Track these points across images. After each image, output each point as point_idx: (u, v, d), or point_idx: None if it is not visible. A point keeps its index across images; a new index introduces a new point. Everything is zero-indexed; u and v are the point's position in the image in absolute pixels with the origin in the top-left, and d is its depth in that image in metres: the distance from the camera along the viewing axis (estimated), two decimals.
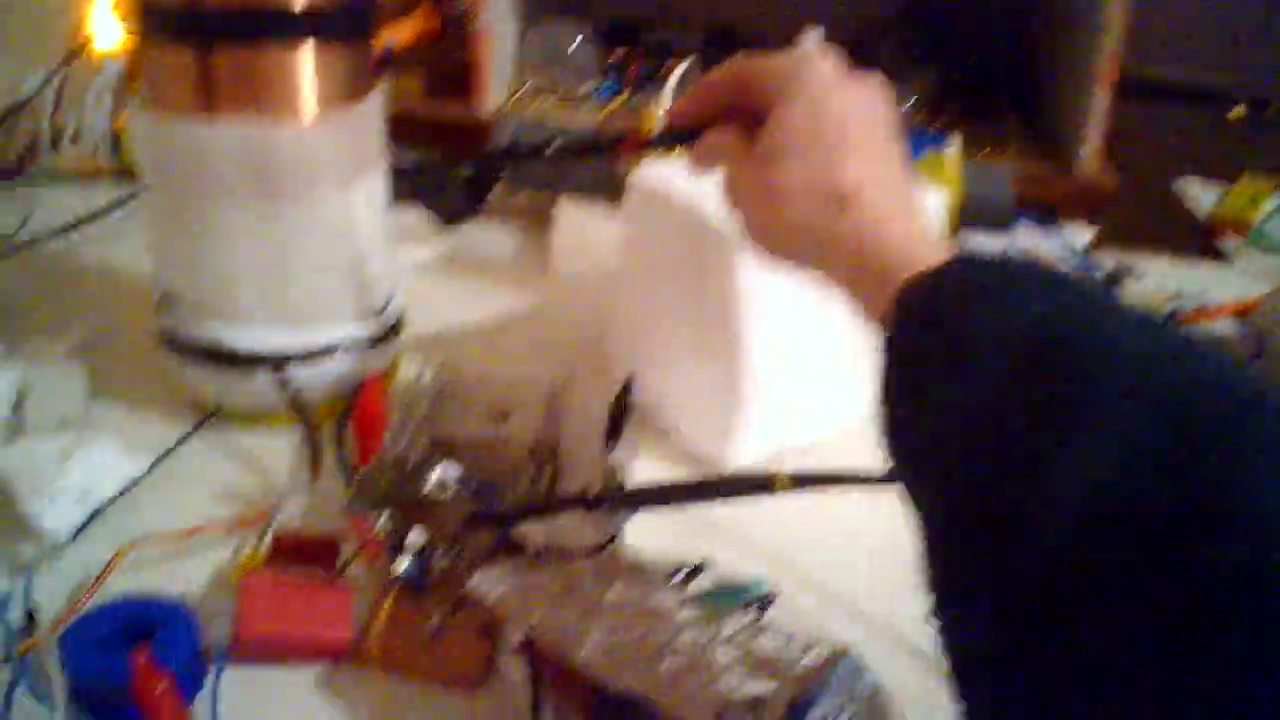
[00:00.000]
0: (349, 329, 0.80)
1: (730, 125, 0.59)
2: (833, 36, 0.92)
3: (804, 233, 0.55)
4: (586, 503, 0.64)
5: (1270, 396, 0.37)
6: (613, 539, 0.63)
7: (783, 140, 0.55)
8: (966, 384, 0.42)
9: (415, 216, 1.14)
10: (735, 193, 0.59)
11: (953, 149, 1.08)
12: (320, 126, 0.75)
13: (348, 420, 0.78)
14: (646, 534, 0.66)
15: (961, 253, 0.49)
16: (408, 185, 0.87)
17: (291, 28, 0.72)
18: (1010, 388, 0.41)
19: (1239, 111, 1.66)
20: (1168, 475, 0.36)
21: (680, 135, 0.62)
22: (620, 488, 0.68)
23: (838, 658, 0.54)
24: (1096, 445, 0.37)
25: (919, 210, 0.55)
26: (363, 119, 0.78)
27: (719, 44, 1.59)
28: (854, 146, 0.54)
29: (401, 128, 0.84)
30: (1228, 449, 0.36)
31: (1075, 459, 0.37)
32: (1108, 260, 1.16)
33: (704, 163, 0.61)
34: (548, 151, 0.64)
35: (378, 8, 0.79)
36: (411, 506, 0.64)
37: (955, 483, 0.42)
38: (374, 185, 0.81)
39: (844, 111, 0.55)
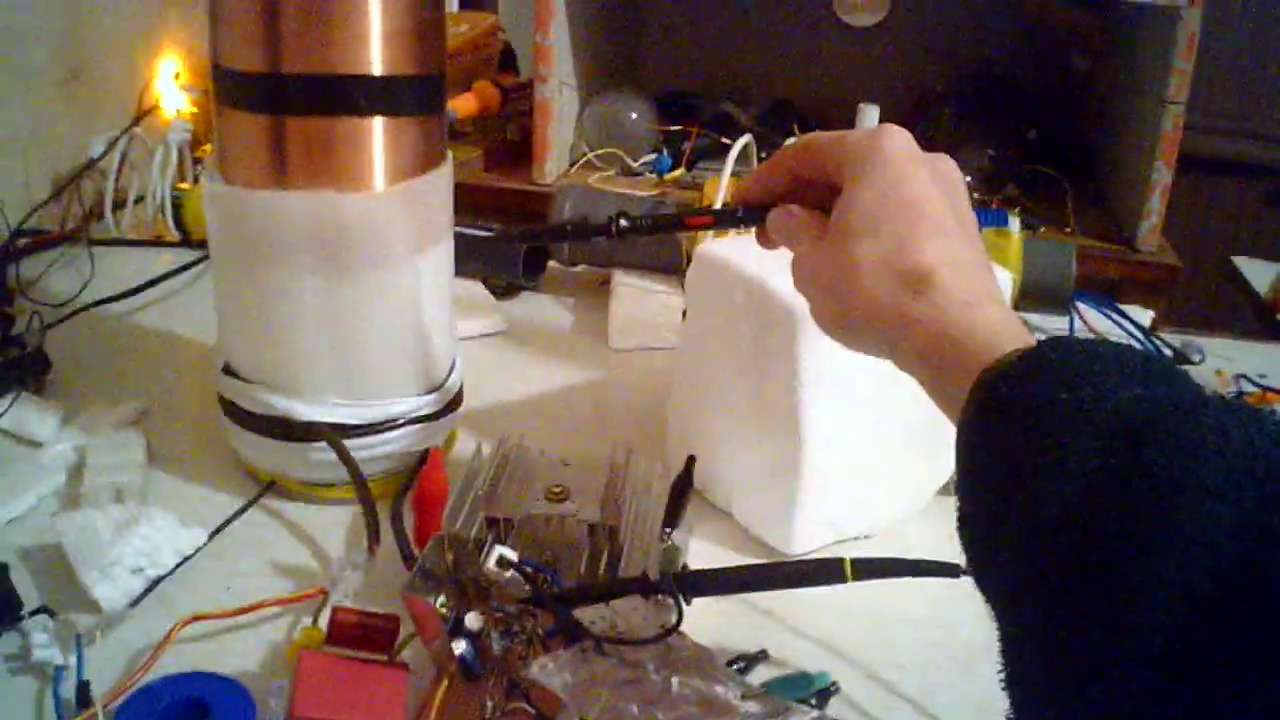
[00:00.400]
0: (410, 402, 0.80)
1: (799, 202, 0.58)
2: (888, 112, 0.92)
3: (878, 314, 0.53)
4: (648, 588, 0.62)
5: None
6: (675, 625, 0.62)
7: (857, 218, 0.54)
8: (1052, 477, 0.41)
9: (472, 288, 1.14)
10: (806, 271, 0.57)
11: (1016, 227, 1.07)
12: (390, 198, 0.75)
13: (406, 496, 0.77)
14: (700, 619, 0.65)
15: (1045, 339, 0.48)
16: (464, 256, 0.88)
17: (367, 99, 0.72)
18: (1098, 484, 0.40)
19: None
20: (1259, 584, 0.34)
21: (749, 211, 0.62)
22: (683, 573, 0.67)
23: None
24: (1187, 549, 0.36)
25: (998, 293, 0.53)
26: (432, 191, 0.78)
27: (776, 118, 1.60)
28: (931, 226, 0.53)
29: (460, 198, 0.84)
30: None
31: (1165, 562, 0.36)
32: (1170, 341, 1.14)
33: (773, 240, 0.60)
34: (614, 229, 0.63)
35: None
36: (469, 587, 0.63)
37: (1040, 579, 0.41)
38: (441, 257, 0.81)
39: (920, 190, 0.54)
